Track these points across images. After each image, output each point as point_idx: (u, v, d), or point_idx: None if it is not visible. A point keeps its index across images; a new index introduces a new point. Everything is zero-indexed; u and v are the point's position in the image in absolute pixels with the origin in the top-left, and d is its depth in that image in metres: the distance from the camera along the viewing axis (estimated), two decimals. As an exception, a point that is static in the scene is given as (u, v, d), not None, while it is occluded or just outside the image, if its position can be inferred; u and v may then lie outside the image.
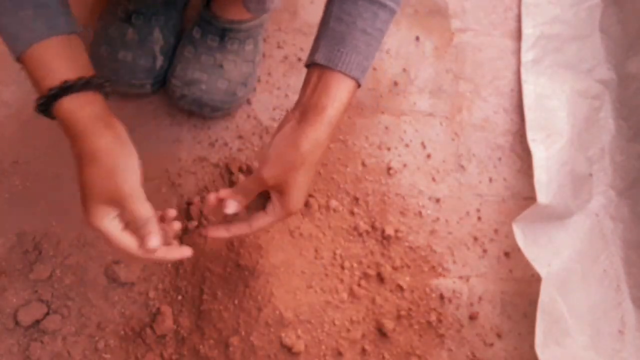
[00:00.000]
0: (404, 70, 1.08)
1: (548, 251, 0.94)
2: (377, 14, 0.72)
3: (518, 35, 1.14)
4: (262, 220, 0.73)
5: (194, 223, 0.92)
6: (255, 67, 1.00)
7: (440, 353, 0.89)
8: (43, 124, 0.97)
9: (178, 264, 0.90)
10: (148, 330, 0.86)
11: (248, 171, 0.96)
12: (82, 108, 0.64)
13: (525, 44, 1.11)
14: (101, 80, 0.67)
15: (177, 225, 0.71)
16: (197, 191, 0.95)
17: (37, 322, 0.85)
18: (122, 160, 0.64)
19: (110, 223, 0.64)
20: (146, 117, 0.99)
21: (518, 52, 1.12)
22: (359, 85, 0.72)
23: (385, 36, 1.08)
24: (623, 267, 0.97)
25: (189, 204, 0.94)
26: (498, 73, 1.11)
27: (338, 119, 0.71)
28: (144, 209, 0.64)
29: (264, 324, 0.86)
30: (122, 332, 0.86)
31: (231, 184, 0.95)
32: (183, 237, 0.91)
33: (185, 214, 0.93)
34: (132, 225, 0.65)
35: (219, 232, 0.74)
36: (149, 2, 0.95)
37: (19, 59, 0.65)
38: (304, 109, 0.71)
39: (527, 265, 0.90)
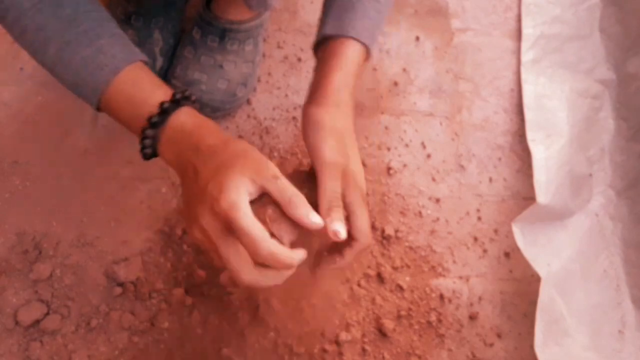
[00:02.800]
0: (404, 70, 1.08)
1: (547, 251, 0.94)
2: None
3: (518, 35, 1.14)
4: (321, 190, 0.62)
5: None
6: (255, 67, 1.00)
7: (440, 353, 0.89)
8: (43, 123, 0.97)
9: (177, 262, 0.90)
10: (149, 329, 0.86)
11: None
12: (196, 115, 0.63)
13: (525, 44, 1.12)
14: (188, 93, 0.65)
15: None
16: (197, 191, 0.95)
17: (37, 322, 0.85)
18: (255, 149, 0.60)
19: (245, 200, 0.55)
20: (146, 117, 0.99)
21: (518, 52, 1.12)
22: (369, 55, 0.69)
23: (385, 36, 1.09)
24: (623, 267, 0.97)
25: (189, 204, 0.94)
26: (498, 73, 1.11)
27: (352, 83, 0.67)
28: (291, 186, 0.57)
29: (265, 324, 0.86)
30: (123, 332, 0.86)
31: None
32: (182, 237, 0.91)
33: (185, 214, 0.93)
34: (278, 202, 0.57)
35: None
36: (149, 4, 0.95)
37: (103, 93, 0.62)
38: (316, 82, 0.68)
39: (527, 265, 0.90)
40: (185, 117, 0.62)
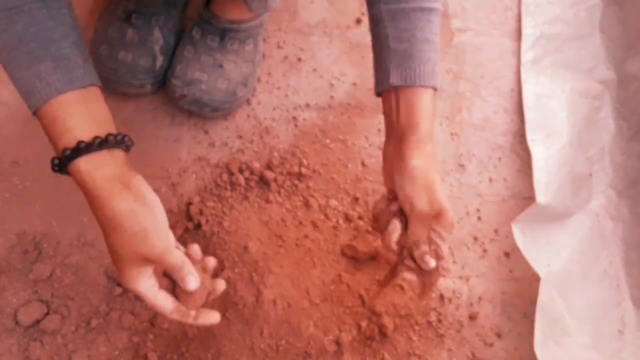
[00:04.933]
0: (404, 70, 1.08)
1: (547, 251, 0.94)
2: (430, 20, 0.73)
3: (518, 35, 1.14)
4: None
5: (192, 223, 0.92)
6: (255, 67, 1.00)
7: (440, 353, 0.89)
8: (43, 123, 0.97)
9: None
10: (149, 329, 0.86)
11: (248, 171, 0.96)
12: (97, 170, 0.62)
13: (525, 44, 1.12)
14: (119, 137, 0.64)
15: (212, 263, 0.70)
16: (197, 191, 0.95)
17: (37, 322, 0.85)
18: (146, 221, 0.62)
19: (145, 285, 0.64)
20: (146, 117, 0.99)
21: (518, 52, 1.12)
22: (435, 89, 0.74)
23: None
24: (623, 267, 0.97)
25: (189, 204, 0.94)
26: (498, 73, 1.11)
27: (432, 127, 0.73)
28: (175, 258, 0.64)
29: (265, 325, 0.86)
30: (123, 332, 0.86)
31: (231, 184, 0.95)
32: (183, 236, 0.91)
33: (185, 214, 0.93)
34: (167, 272, 0.66)
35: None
36: (149, 2, 0.95)
37: (35, 114, 0.63)
38: (399, 132, 0.72)
39: (527, 265, 0.90)
40: (87, 168, 0.62)
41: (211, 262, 0.70)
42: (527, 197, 1.00)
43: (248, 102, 1.02)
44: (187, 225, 0.92)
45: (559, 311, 0.88)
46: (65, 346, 0.84)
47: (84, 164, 0.61)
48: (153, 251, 0.62)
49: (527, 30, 1.13)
